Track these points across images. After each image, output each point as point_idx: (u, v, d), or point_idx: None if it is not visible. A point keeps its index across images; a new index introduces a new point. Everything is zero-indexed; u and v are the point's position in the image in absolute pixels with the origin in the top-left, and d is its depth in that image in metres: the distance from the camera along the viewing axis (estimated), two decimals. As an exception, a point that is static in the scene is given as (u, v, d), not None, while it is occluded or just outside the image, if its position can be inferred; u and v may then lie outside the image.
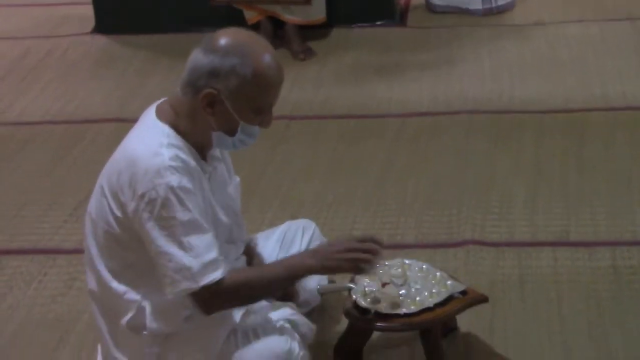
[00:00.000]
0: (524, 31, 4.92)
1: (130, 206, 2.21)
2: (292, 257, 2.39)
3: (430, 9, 5.22)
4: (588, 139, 3.81)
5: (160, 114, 2.30)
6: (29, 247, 3.33)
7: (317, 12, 4.80)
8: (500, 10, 5.12)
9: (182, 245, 2.18)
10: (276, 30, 4.85)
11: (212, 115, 2.24)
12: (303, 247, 2.69)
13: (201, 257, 2.19)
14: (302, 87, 4.44)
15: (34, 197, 3.64)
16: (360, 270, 2.37)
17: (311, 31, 4.89)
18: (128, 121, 4.17)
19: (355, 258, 2.33)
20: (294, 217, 3.21)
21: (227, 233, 2.42)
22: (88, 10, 5.19)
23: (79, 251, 2.88)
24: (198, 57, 2.21)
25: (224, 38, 2.22)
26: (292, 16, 4.77)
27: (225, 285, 2.21)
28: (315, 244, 2.72)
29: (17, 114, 4.34)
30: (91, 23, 5.19)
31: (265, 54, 2.23)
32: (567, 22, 4.97)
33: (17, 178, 3.80)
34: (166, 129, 2.26)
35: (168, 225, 2.18)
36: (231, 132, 2.27)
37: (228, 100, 2.21)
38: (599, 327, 2.75)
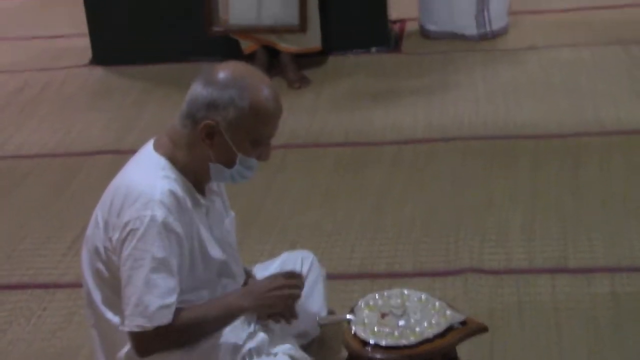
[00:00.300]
0: (518, 56, 4.95)
1: (115, 235, 2.24)
2: (228, 296, 2.39)
3: (425, 35, 5.25)
4: (583, 164, 3.83)
5: (157, 147, 2.32)
6: (28, 281, 3.33)
7: (312, 40, 4.84)
8: (495, 35, 5.16)
9: (147, 282, 2.20)
10: (271, 60, 4.87)
11: (210, 147, 2.26)
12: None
13: (161, 299, 2.21)
14: (297, 115, 4.46)
15: (32, 230, 3.65)
16: (290, 310, 2.41)
17: (306, 59, 4.92)
18: (125, 153, 4.22)
19: (287, 295, 2.38)
20: (293, 246, 3.22)
21: (222, 267, 2.42)
22: (85, 42, 5.22)
23: (78, 285, 2.88)
24: (197, 90, 2.25)
25: (223, 71, 2.26)
26: (288, 45, 4.80)
27: (171, 329, 2.23)
28: (313, 275, 2.73)
29: (15, 147, 4.36)
30: (88, 55, 5.22)
31: (263, 87, 2.27)
32: (559, 47, 5.00)
33: (15, 211, 3.81)
34: (162, 161, 2.28)
35: (141, 257, 2.20)
36: (229, 164, 2.29)
37: (227, 131, 2.24)
38: (598, 354, 2.76)
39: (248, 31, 4.78)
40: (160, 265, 2.21)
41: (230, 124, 2.23)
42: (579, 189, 3.65)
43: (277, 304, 2.39)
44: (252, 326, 2.39)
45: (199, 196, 2.34)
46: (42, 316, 3.13)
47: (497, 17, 5.16)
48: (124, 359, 2.34)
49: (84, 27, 5.21)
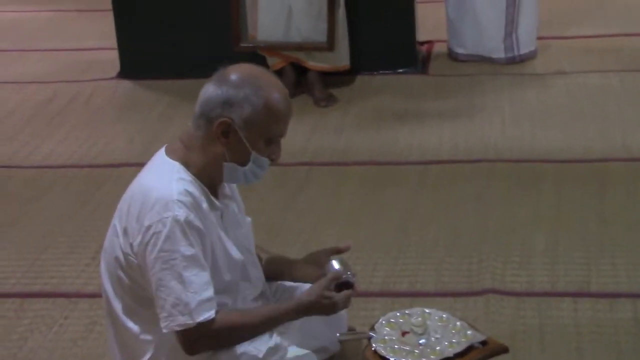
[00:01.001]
0: (545, 80, 4.95)
1: (137, 239, 2.25)
2: (279, 306, 2.41)
3: (453, 57, 5.26)
4: (609, 189, 3.81)
5: (170, 152, 2.35)
6: (50, 290, 3.35)
7: (340, 59, 4.85)
8: (523, 59, 5.16)
9: (181, 281, 2.21)
10: (299, 77, 4.89)
11: (225, 145, 2.29)
12: None
13: (199, 294, 2.22)
14: (323, 133, 4.47)
15: (56, 240, 3.67)
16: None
17: (334, 78, 4.94)
18: (151, 166, 4.26)
19: (338, 308, 2.43)
20: (314, 263, 3.22)
21: (241, 270, 2.43)
22: (113, 56, 5.27)
23: (100, 295, 2.86)
24: (210, 90, 2.29)
25: (235, 72, 2.31)
26: (316, 63, 4.82)
27: (216, 326, 2.25)
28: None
29: (42, 157, 4.39)
30: (116, 68, 5.26)
31: (275, 86, 2.31)
32: (587, 72, 4.99)
33: (40, 221, 3.83)
34: (176, 165, 2.31)
35: (170, 258, 2.21)
36: (243, 163, 2.32)
37: (241, 129, 2.27)
38: (620, 379, 2.74)
39: (276, 48, 4.80)
40: (191, 262, 2.22)
41: (245, 122, 2.27)
42: (604, 213, 3.63)
43: (323, 309, 2.42)
44: (274, 339, 2.38)
45: (213, 199, 2.35)
46: (63, 325, 3.14)
47: (526, 42, 5.15)
48: None
49: (113, 41, 5.26)
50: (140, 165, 4.11)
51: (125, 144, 4.50)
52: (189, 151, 2.32)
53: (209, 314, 2.23)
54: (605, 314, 3.03)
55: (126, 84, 5.16)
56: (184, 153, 2.32)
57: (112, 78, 5.23)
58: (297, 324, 2.57)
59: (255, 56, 4.91)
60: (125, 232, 2.29)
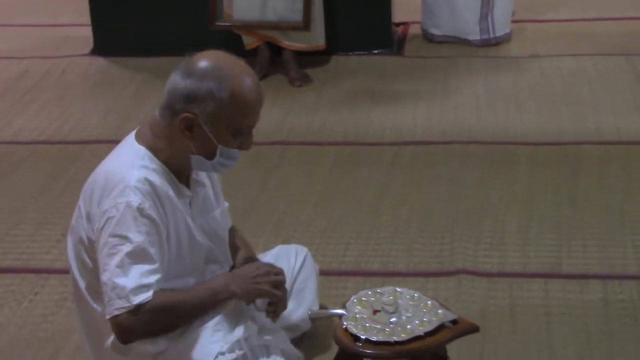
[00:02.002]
0: (520, 63, 4.96)
1: (96, 224, 2.23)
2: (213, 280, 2.36)
3: (428, 38, 5.26)
4: (581, 172, 3.83)
5: (139, 137, 2.31)
6: (20, 266, 3.33)
7: (316, 39, 4.84)
8: (498, 41, 5.17)
9: (122, 265, 2.18)
10: (274, 57, 4.87)
11: (190, 139, 2.24)
12: (296, 269, 2.69)
13: (138, 279, 2.18)
14: (297, 113, 4.46)
15: (27, 216, 3.64)
16: (274, 295, 2.39)
17: (308, 58, 4.92)
18: (124, 143, 4.23)
19: (272, 280, 2.37)
20: (287, 241, 3.22)
21: (209, 254, 2.42)
22: (87, 32, 5.22)
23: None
24: (176, 80, 2.22)
25: (201, 61, 2.22)
26: (291, 42, 4.80)
27: (152, 307, 2.19)
28: (307, 269, 2.73)
29: (13, 133, 4.35)
30: (90, 45, 5.21)
31: (243, 77, 2.24)
32: (562, 56, 5.00)
33: (11, 197, 3.80)
34: (142, 151, 2.27)
35: (117, 243, 2.18)
36: (210, 156, 2.28)
37: (206, 124, 2.22)
38: (589, 360, 2.76)
39: (251, 27, 4.78)
40: (137, 249, 2.19)
41: (209, 117, 2.21)
42: (576, 196, 3.65)
43: (263, 290, 2.37)
44: (238, 316, 2.37)
45: (182, 186, 2.32)
46: (33, 300, 3.12)
47: (501, 24, 5.16)
48: (110, 347, 2.32)
49: (86, 17, 5.21)
50: (113, 142, 4.08)
51: (98, 121, 4.47)
52: (156, 138, 2.27)
53: (146, 296, 2.18)
54: (575, 295, 3.05)
55: (99, 61, 5.12)
56: (152, 140, 2.28)
57: (85, 55, 5.19)
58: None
59: (231, 34, 4.89)
60: (88, 217, 2.27)
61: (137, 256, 2.19)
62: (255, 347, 2.36)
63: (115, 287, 2.18)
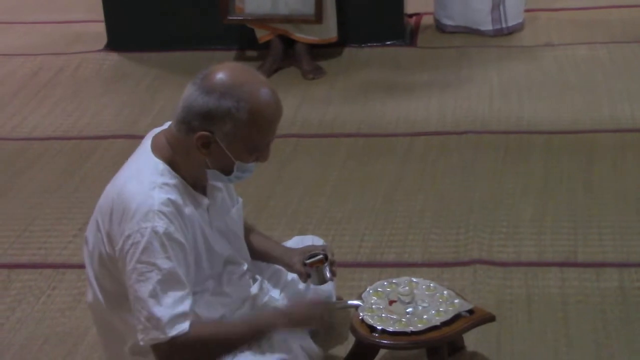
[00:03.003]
0: (533, 52, 4.94)
1: (118, 245, 2.20)
2: (263, 316, 2.37)
3: (440, 29, 5.25)
4: (596, 160, 3.82)
5: (155, 149, 2.26)
6: (38, 261, 3.34)
7: (328, 31, 4.83)
8: (511, 31, 5.15)
9: (155, 294, 2.15)
10: (286, 50, 4.87)
11: (207, 155, 2.21)
12: None
13: (172, 309, 2.16)
14: (311, 105, 4.46)
15: (44, 211, 3.66)
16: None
17: (321, 50, 4.92)
18: (138, 138, 4.15)
19: (323, 323, 2.43)
20: (302, 233, 3.21)
21: (227, 257, 2.41)
22: (101, 28, 5.24)
23: (87, 266, 2.90)
24: (193, 96, 2.16)
25: (219, 78, 2.16)
26: (303, 35, 4.80)
27: (190, 340, 2.18)
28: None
29: (29, 130, 4.37)
30: (104, 40, 5.23)
31: (261, 94, 2.18)
32: (576, 44, 4.98)
33: (28, 192, 3.82)
34: (160, 165, 2.23)
35: (146, 270, 2.16)
36: (227, 171, 2.26)
37: (223, 142, 2.19)
38: (607, 348, 2.75)
39: (263, 20, 4.78)
40: (168, 276, 2.17)
41: (227, 136, 2.18)
42: (591, 184, 3.64)
43: (311, 326, 2.42)
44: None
45: (200, 196, 2.30)
46: (51, 295, 3.14)
47: (513, 14, 5.14)
48: (129, 352, 2.33)
49: (100, 13, 5.22)
50: (128, 137, 4.20)
51: (112, 116, 4.48)
52: (173, 151, 2.24)
53: (182, 328, 2.17)
54: (591, 283, 3.05)
55: (113, 56, 5.14)
56: (169, 152, 2.24)
57: (99, 50, 5.20)
58: (287, 296, 2.58)
59: (243, 28, 4.89)
60: (109, 236, 2.24)
61: (169, 283, 2.16)
62: (275, 342, 2.36)
63: (150, 317, 2.16)
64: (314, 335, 2.62)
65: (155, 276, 2.15)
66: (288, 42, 4.87)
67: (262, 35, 4.86)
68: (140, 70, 4.95)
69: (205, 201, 2.32)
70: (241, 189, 2.58)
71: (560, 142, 3.98)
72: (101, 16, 5.21)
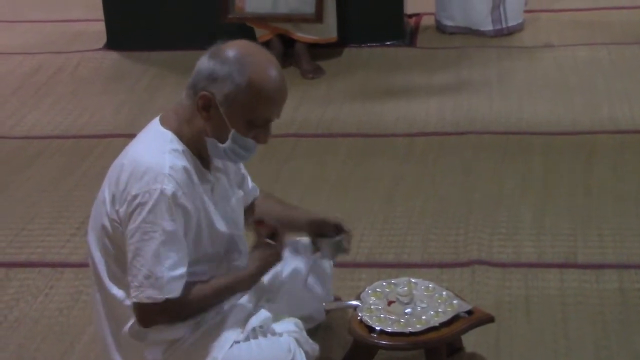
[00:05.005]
0: (533, 53, 4.94)
1: (123, 207, 2.24)
2: (236, 275, 2.41)
3: (440, 29, 5.24)
4: (596, 161, 3.81)
5: (164, 121, 2.32)
6: (36, 259, 3.34)
7: (328, 31, 4.83)
8: (511, 32, 5.15)
9: (157, 254, 2.20)
10: (286, 49, 4.87)
11: (206, 119, 2.26)
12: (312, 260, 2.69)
13: (172, 271, 2.21)
14: (310, 105, 4.46)
15: (42, 210, 3.65)
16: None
17: (321, 50, 4.92)
18: (137, 136, 4.24)
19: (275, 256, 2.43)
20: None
21: (227, 242, 2.42)
22: (100, 27, 5.23)
23: (85, 265, 2.86)
24: (202, 62, 2.26)
25: (230, 47, 2.26)
26: (303, 34, 4.80)
27: (179, 301, 2.24)
28: (324, 261, 2.72)
29: (28, 128, 4.37)
30: (103, 39, 5.22)
31: (267, 67, 2.25)
32: (576, 45, 4.98)
33: (26, 191, 3.81)
34: (169, 134, 2.28)
35: (151, 230, 2.20)
36: (222, 140, 2.29)
37: (222, 105, 2.23)
38: (606, 350, 2.75)
39: (264, 19, 4.77)
40: (170, 238, 2.21)
41: (225, 98, 2.23)
42: (591, 185, 3.64)
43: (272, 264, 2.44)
44: (253, 305, 2.39)
45: (205, 170, 2.34)
46: (49, 294, 3.13)
47: (513, 14, 5.15)
48: (128, 332, 2.34)
49: (99, 12, 5.22)
50: (126, 136, 4.17)
51: (111, 115, 4.48)
52: (180, 121, 2.29)
53: (176, 292, 2.23)
54: (591, 284, 3.04)
55: (113, 55, 5.13)
56: (177, 123, 2.30)
57: (98, 49, 5.19)
58: (284, 295, 2.58)
59: (243, 27, 4.88)
60: (113, 199, 2.28)
61: (171, 245, 2.21)
62: (270, 335, 2.37)
63: (149, 275, 2.20)
64: (311, 334, 2.61)
65: (159, 237, 2.20)
66: (288, 42, 4.87)
67: (261, 35, 4.86)
68: (139, 70, 4.95)
69: (211, 178, 2.35)
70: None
71: (560, 143, 3.98)
72: (101, 15, 5.21)
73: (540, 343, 2.78)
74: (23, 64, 5.09)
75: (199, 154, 2.32)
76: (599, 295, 2.98)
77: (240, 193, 2.53)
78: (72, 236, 3.45)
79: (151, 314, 2.25)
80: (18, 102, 4.63)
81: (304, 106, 4.44)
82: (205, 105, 2.24)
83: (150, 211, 2.20)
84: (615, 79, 4.58)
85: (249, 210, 2.60)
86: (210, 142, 2.29)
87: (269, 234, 2.42)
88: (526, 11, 5.27)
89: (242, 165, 2.56)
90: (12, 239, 3.47)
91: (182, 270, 2.24)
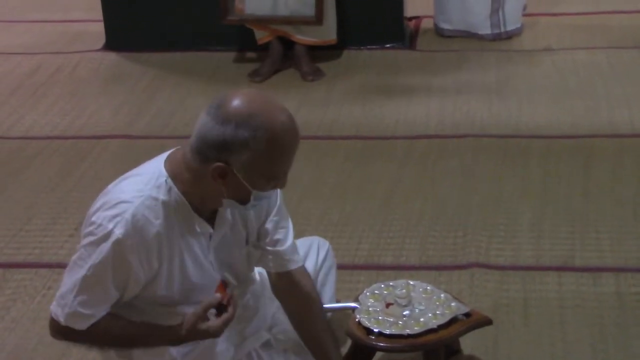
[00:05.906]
0: (532, 56, 4.94)
1: (83, 226, 2.21)
2: (160, 327, 2.26)
3: (439, 33, 5.24)
4: (594, 165, 3.81)
5: (169, 160, 2.21)
6: (33, 260, 3.33)
7: (328, 33, 4.83)
8: (509, 35, 5.15)
9: (75, 285, 2.16)
10: (286, 51, 4.87)
11: (223, 185, 2.14)
12: (319, 264, 2.67)
13: (81, 307, 2.17)
14: (310, 107, 4.46)
15: (40, 211, 3.65)
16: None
17: (320, 52, 4.92)
18: (135, 138, 4.24)
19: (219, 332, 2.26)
20: (300, 235, 3.19)
21: (210, 289, 2.30)
22: (99, 28, 5.23)
23: (83, 265, 2.89)
24: (208, 126, 2.08)
25: (235, 106, 2.07)
26: (303, 36, 4.80)
27: (82, 334, 2.21)
28: (328, 263, 2.71)
29: (26, 129, 4.36)
30: (102, 40, 5.22)
31: (279, 122, 2.10)
32: (575, 49, 4.98)
33: (24, 192, 3.81)
34: (162, 179, 2.17)
35: (83, 261, 2.15)
36: (243, 200, 2.18)
37: (240, 173, 2.11)
38: (603, 353, 2.75)
39: (263, 21, 4.77)
40: (94, 279, 2.15)
41: (243, 166, 2.08)
42: (589, 189, 3.64)
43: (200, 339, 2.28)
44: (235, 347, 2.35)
45: (200, 223, 2.22)
46: (46, 295, 3.13)
47: (512, 19, 5.14)
48: (115, 355, 2.31)
49: (99, 13, 5.21)
50: (125, 137, 4.19)
51: (110, 116, 4.48)
52: (184, 171, 2.16)
53: (78, 326, 2.19)
54: (588, 287, 3.04)
55: (112, 56, 5.13)
56: (180, 169, 2.16)
57: (97, 50, 5.19)
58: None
59: (242, 29, 4.88)
60: (87, 216, 2.22)
61: (92, 286, 2.16)
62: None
63: (63, 297, 2.19)
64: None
65: (84, 272, 2.15)
66: (287, 44, 4.86)
67: (261, 37, 4.85)
68: (138, 70, 4.95)
69: (207, 227, 2.24)
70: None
71: (559, 147, 3.98)
72: (100, 16, 5.20)
73: (538, 346, 2.78)
74: (22, 64, 5.08)
75: (201, 207, 2.21)
76: (596, 299, 2.98)
77: (247, 250, 2.39)
78: (69, 237, 3.44)
79: (53, 329, 2.24)
80: (16, 103, 4.63)
81: (304, 108, 4.44)
82: (222, 175, 2.12)
83: (92, 243, 2.14)
84: (614, 83, 4.58)
85: (281, 280, 2.43)
86: (229, 202, 2.19)
87: (218, 303, 2.25)
88: (525, 15, 5.26)
89: (290, 225, 2.44)
90: (9, 239, 3.47)
91: (91, 311, 2.18)
